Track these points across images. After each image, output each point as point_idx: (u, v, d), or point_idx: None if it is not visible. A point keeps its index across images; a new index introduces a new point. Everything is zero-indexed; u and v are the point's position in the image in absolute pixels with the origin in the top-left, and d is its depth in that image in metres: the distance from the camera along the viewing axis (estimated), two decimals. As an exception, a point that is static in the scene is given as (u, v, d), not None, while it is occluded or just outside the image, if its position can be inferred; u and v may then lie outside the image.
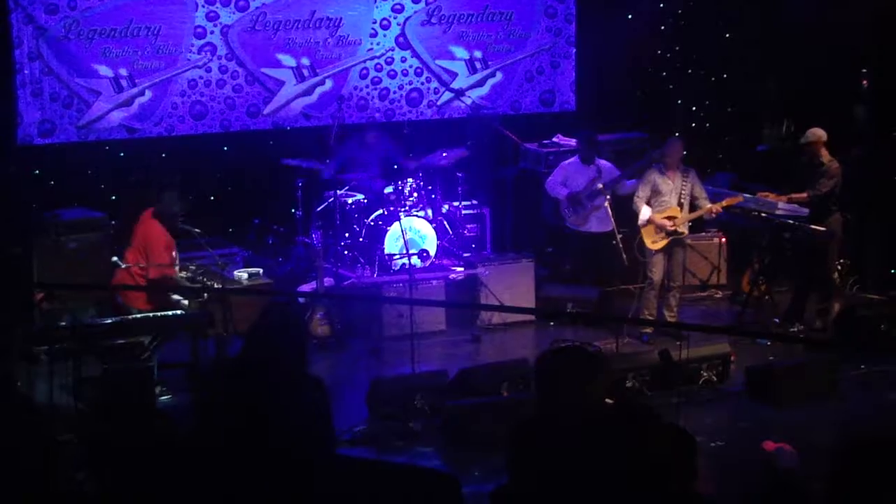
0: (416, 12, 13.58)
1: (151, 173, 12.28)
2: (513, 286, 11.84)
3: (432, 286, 11.66)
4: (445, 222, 12.30)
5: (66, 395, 9.04)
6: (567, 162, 12.18)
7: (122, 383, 8.82)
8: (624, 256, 11.22)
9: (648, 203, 11.19)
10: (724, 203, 11.18)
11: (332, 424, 4.71)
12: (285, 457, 4.28)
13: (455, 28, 13.76)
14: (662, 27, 14.51)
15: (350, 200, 12.16)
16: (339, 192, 11.99)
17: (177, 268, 10.12)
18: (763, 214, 11.29)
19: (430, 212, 12.11)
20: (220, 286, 10.06)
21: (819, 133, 11.20)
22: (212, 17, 12.79)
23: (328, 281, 11.40)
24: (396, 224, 11.62)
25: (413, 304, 10.77)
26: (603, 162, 11.99)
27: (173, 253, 10.08)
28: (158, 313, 9.65)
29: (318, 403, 4.65)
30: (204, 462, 4.36)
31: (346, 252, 12.00)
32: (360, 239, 11.98)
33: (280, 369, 4.68)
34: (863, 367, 10.16)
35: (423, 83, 13.78)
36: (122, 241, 10.57)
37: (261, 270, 11.53)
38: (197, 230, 10.18)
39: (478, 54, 13.88)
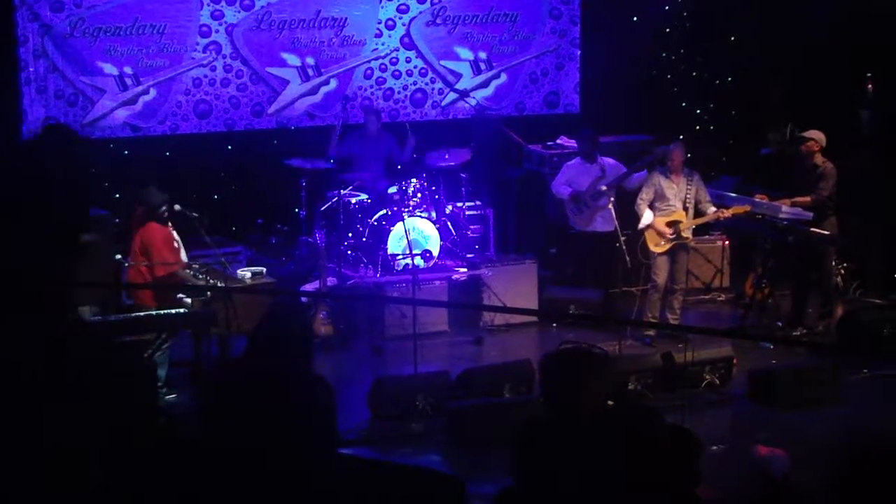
0: (421, 13, 13.58)
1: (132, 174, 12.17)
2: (516, 287, 11.83)
3: (435, 287, 11.65)
4: (449, 223, 12.30)
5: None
6: (570, 162, 12.17)
7: (124, 381, 8.80)
8: (627, 258, 11.22)
9: (652, 206, 11.19)
10: (730, 210, 11.17)
11: (337, 425, 4.70)
12: (288, 456, 4.27)
13: (460, 29, 13.76)
14: (667, 30, 14.51)
15: (354, 200, 12.16)
16: (342, 191, 11.99)
17: (183, 256, 10.08)
18: (766, 218, 11.28)
19: (433, 212, 12.11)
20: (224, 285, 10.05)
21: (817, 135, 11.20)
22: (217, 16, 12.80)
23: (331, 281, 11.40)
24: (400, 224, 11.62)
25: (416, 304, 10.77)
26: (607, 160, 11.97)
27: (174, 244, 10.04)
28: (162, 311, 9.65)
29: (322, 403, 4.64)
30: (206, 462, 4.36)
31: (349, 252, 12.00)
32: (364, 239, 11.98)
33: (285, 368, 4.67)
34: (865, 371, 10.15)
35: (427, 84, 13.78)
36: (126, 242, 10.57)
37: (264, 270, 11.51)
38: (195, 214, 10.16)
39: (482, 55, 13.89)
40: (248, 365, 4.76)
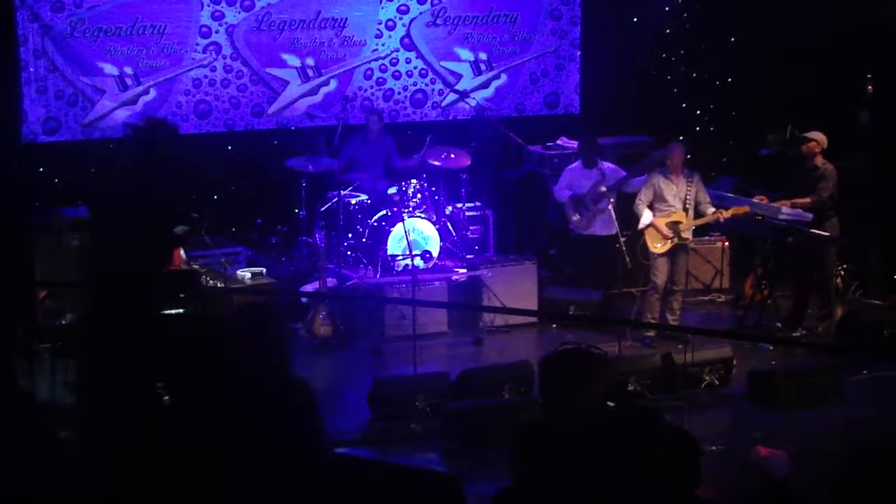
0: (421, 13, 13.58)
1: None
2: (515, 288, 11.82)
3: (435, 287, 11.64)
4: (449, 224, 12.29)
5: (68, 392, 9.03)
6: (571, 166, 12.19)
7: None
8: (627, 259, 11.22)
9: (652, 207, 11.18)
10: (730, 211, 11.16)
11: (321, 426, 4.66)
12: (273, 461, 4.26)
13: (460, 29, 13.76)
14: (667, 30, 14.50)
15: (354, 201, 12.16)
16: (342, 192, 11.99)
17: (183, 255, 10.08)
18: (766, 219, 11.27)
19: (433, 213, 12.10)
20: (223, 285, 10.05)
21: (818, 136, 11.19)
22: (217, 17, 12.80)
23: (331, 281, 11.39)
24: (400, 225, 11.62)
25: (415, 305, 10.77)
26: (606, 164, 11.99)
27: None
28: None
29: (303, 407, 4.60)
30: (197, 464, 4.35)
31: (349, 252, 11.99)
32: (364, 240, 11.98)
33: (257, 376, 4.59)
34: (865, 371, 10.15)
35: (427, 84, 13.78)
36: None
37: (264, 270, 11.53)
38: (195, 214, 10.15)
39: (483, 56, 13.88)
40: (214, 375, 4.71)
